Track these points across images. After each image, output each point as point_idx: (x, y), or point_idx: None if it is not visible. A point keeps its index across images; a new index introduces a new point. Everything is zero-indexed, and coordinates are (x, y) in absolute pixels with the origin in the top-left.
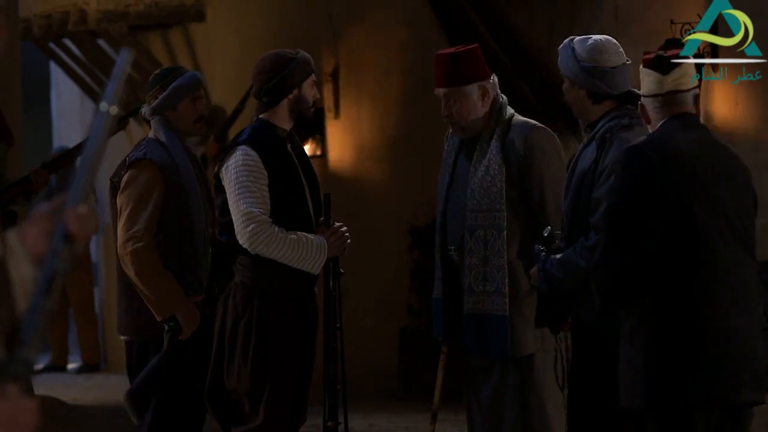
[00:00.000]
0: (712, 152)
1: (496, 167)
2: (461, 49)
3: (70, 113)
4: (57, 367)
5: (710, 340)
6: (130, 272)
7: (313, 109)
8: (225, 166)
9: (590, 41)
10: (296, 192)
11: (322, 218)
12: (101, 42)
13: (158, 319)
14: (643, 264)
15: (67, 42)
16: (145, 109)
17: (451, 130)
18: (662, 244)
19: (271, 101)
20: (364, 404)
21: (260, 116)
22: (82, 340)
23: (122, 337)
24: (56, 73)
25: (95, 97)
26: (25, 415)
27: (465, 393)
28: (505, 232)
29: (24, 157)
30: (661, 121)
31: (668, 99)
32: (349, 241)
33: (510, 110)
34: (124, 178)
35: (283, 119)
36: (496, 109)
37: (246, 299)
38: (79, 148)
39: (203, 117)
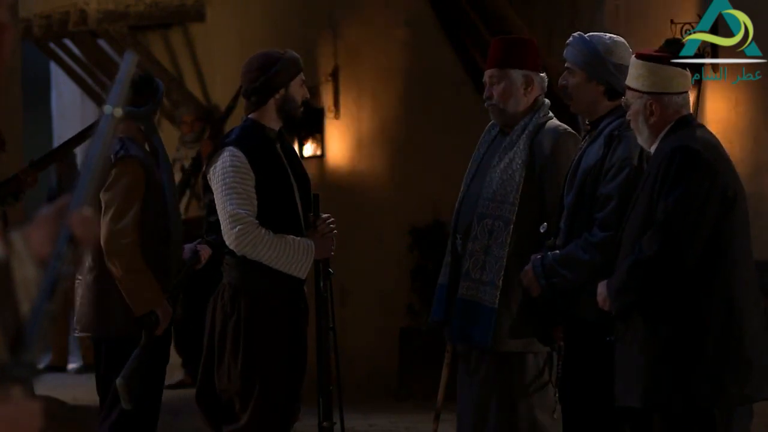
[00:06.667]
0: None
1: (519, 162)
2: (517, 36)
3: (70, 113)
4: (57, 367)
5: (747, 338)
6: (117, 268)
7: (302, 109)
8: (213, 167)
9: (611, 38)
10: (285, 192)
11: (311, 214)
12: (101, 42)
13: (137, 314)
14: (696, 259)
15: (67, 42)
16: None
17: (490, 121)
18: (709, 239)
19: (259, 100)
20: (364, 404)
21: (249, 116)
22: (82, 340)
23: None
24: (56, 73)
25: (95, 97)
26: (29, 418)
27: (458, 383)
28: (511, 226)
29: (24, 157)
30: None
31: (686, 98)
32: (334, 243)
33: (549, 113)
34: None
35: (271, 119)
36: (537, 107)
37: (233, 299)
38: (66, 145)
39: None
